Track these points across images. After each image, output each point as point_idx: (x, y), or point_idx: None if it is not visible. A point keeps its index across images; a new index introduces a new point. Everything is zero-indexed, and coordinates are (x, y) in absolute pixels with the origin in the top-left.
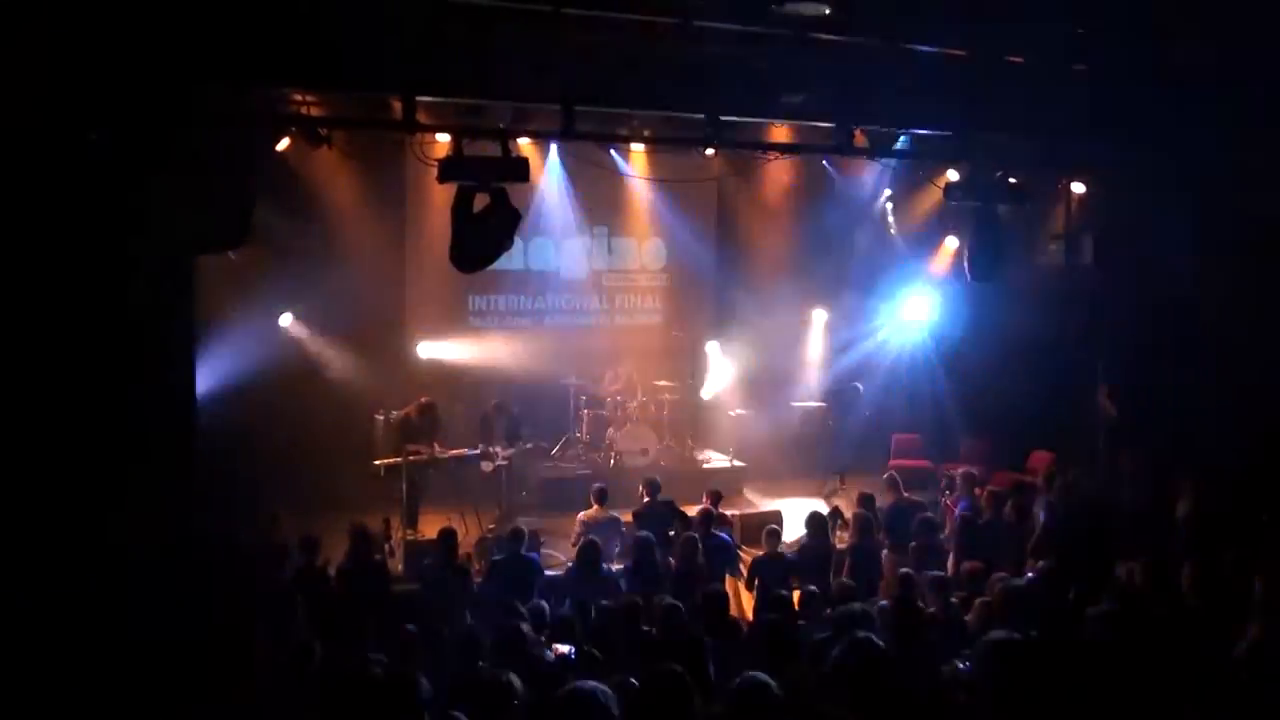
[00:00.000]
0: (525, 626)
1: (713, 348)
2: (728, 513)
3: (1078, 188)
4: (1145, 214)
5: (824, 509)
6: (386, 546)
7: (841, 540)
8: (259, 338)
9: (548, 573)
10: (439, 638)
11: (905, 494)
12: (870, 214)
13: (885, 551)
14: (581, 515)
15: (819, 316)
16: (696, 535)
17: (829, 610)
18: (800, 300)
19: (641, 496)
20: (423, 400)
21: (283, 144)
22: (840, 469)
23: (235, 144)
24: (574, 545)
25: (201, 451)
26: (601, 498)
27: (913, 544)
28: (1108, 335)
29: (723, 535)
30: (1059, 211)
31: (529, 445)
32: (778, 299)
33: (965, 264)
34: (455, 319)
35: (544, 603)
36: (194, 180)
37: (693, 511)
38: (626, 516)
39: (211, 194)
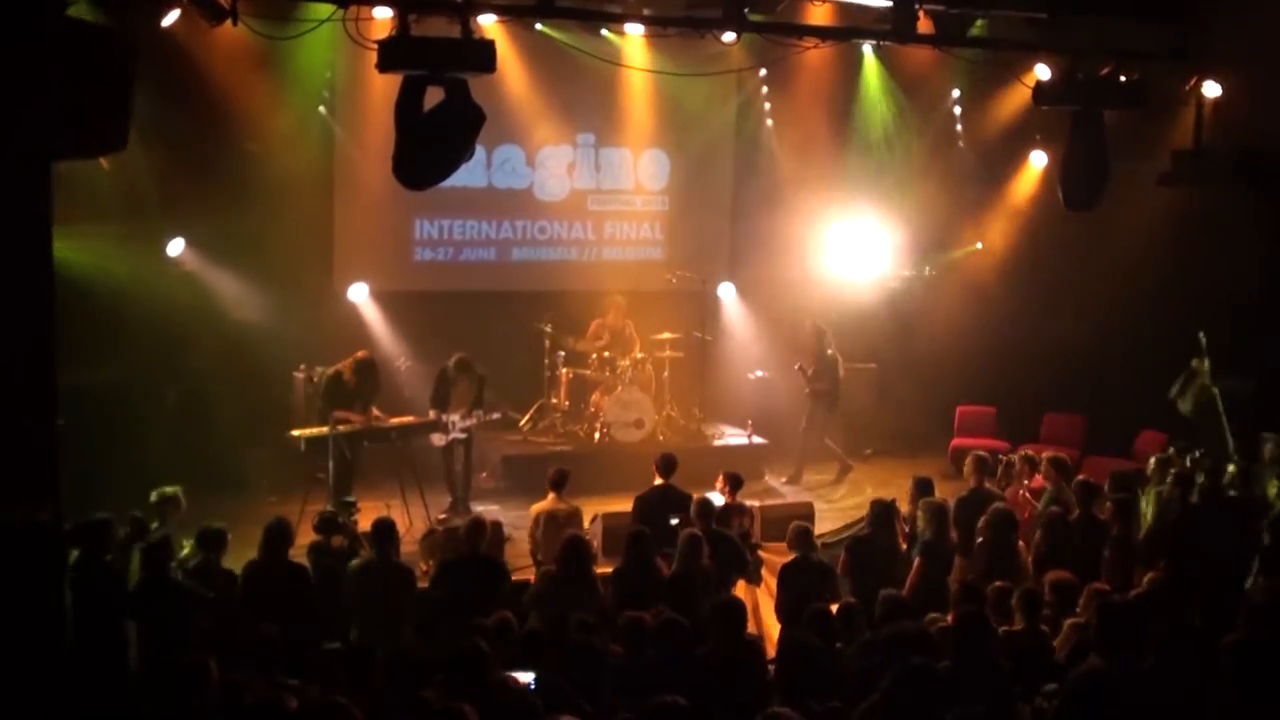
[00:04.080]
0: (485, 645)
1: (727, 291)
2: (748, 503)
3: (1211, 89)
4: None
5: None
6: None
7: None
8: (140, 271)
9: (515, 577)
10: (371, 658)
11: (985, 481)
12: (934, 122)
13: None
14: (535, 508)
15: (863, 255)
16: (699, 531)
17: (875, 630)
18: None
19: (653, 478)
20: (358, 355)
21: (171, 18)
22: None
23: (107, 17)
24: (532, 549)
25: (64, 418)
26: (559, 484)
27: (980, 541)
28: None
29: (727, 531)
30: (1185, 121)
31: (494, 415)
32: (813, 230)
33: (1058, 188)
34: (398, 251)
35: (509, 615)
36: (53, 64)
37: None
38: (614, 504)
39: (76, 82)
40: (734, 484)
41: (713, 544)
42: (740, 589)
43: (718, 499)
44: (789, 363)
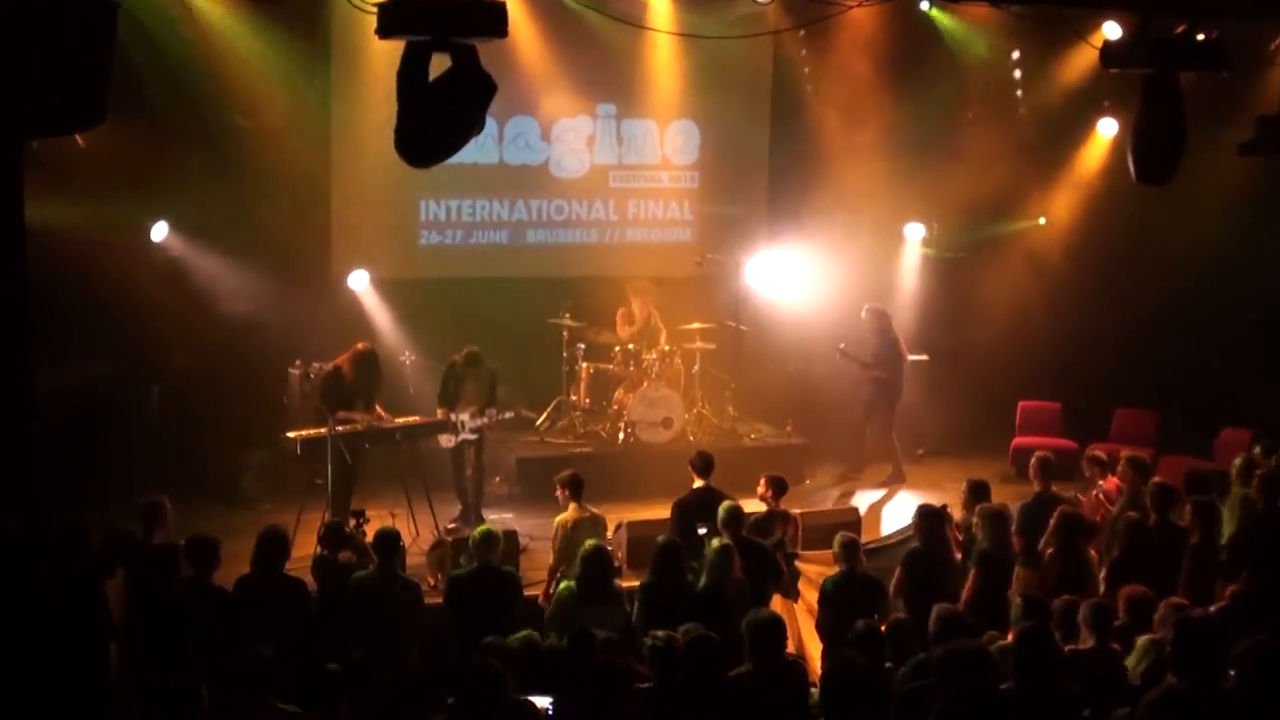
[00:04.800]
0: (498, 665)
1: (764, 277)
2: (791, 511)
3: None
4: None
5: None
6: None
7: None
8: (120, 258)
9: (530, 592)
10: (374, 680)
11: (1050, 484)
12: (990, 87)
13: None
14: (559, 519)
15: (914, 233)
16: (729, 540)
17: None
18: (889, 210)
19: (691, 480)
20: (358, 348)
21: None
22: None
23: None
24: (551, 566)
25: (43, 420)
26: (576, 490)
27: (1048, 551)
28: None
29: (759, 539)
30: (1270, 83)
31: (508, 414)
32: (857, 207)
33: (1129, 158)
34: (402, 234)
35: (535, 634)
36: (23, 31)
37: (748, 508)
38: (640, 511)
39: (49, 51)
40: (777, 488)
41: (744, 554)
42: (776, 604)
43: (758, 506)
44: (832, 354)
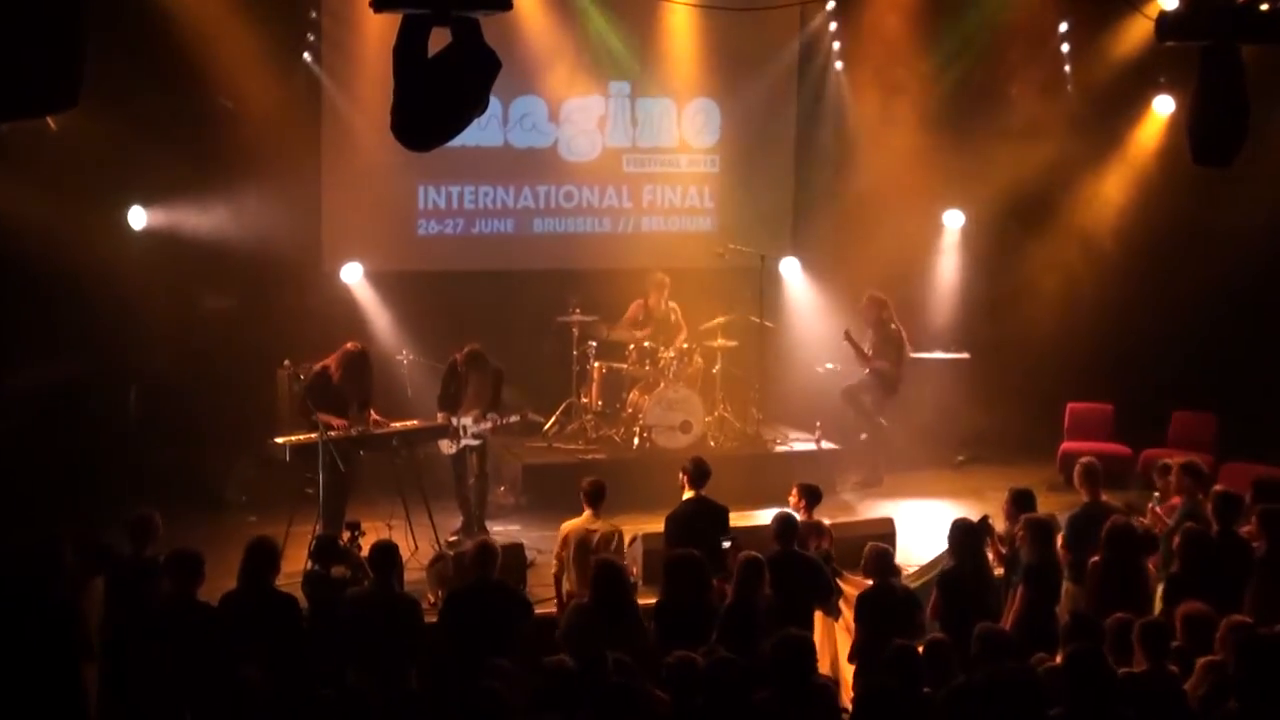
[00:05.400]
0: (502, 689)
1: (791, 267)
2: (825, 521)
3: None
4: None
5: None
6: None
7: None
8: (95, 249)
9: (539, 610)
10: (369, 705)
11: (1099, 492)
12: (1037, 61)
13: (1064, 582)
14: (566, 526)
15: (954, 220)
16: (781, 552)
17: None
18: (926, 194)
19: (681, 487)
20: (347, 348)
21: None
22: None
23: None
24: (556, 573)
25: (8, 425)
26: (596, 498)
27: (1096, 564)
28: None
29: (807, 552)
30: None
31: (513, 418)
32: (892, 192)
33: (1187, 137)
34: (399, 223)
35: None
36: None
37: (764, 518)
38: (657, 523)
39: (16, 29)
40: (810, 498)
41: (791, 568)
42: (817, 623)
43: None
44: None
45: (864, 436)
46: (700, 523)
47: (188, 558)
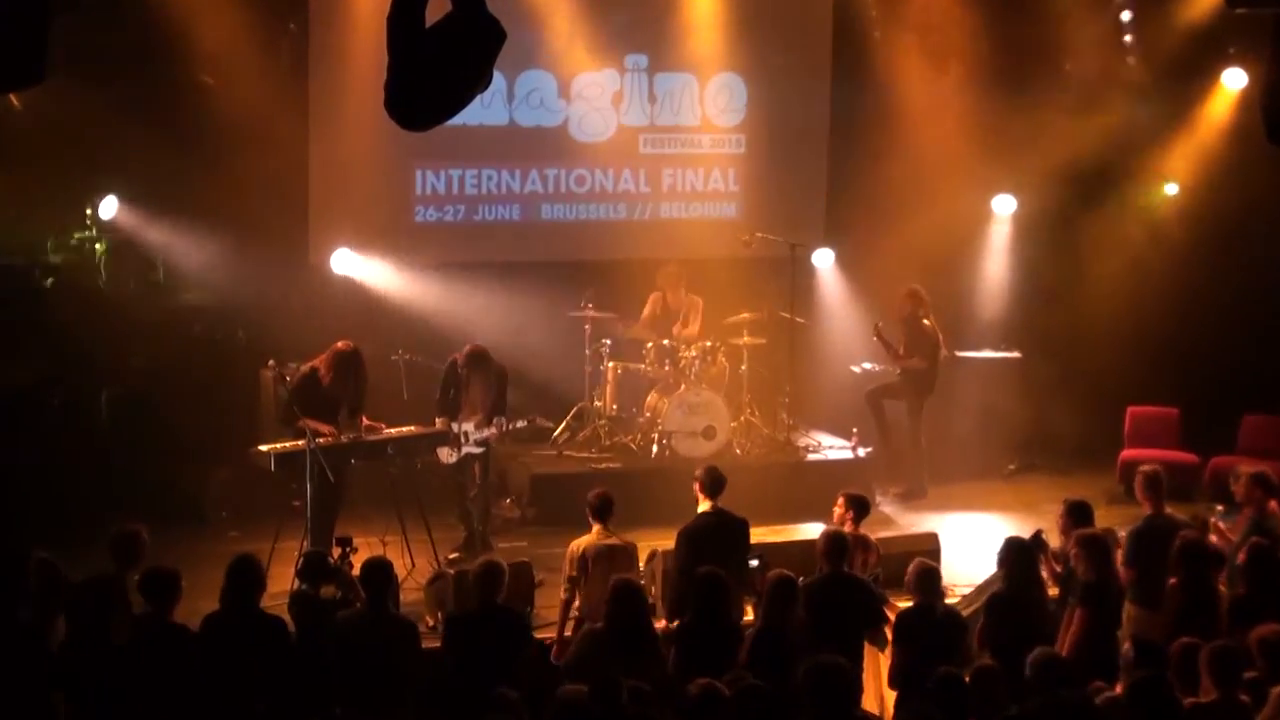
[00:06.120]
0: None
1: (824, 258)
2: (869, 535)
3: None
4: None
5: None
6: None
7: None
8: (62, 239)
9: (546, 635)
10: None
11: (1162, 504)
12: (1096, 31)
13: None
14: (577, 544)
15: (1004, 205)
16: (828, 572)
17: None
18: (973, 177)
19: (695, 500)
20: (338, 347)
21: None
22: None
23: None
24: (565, 593)
25: None
26: (604, 512)
27: (1175, 585)
28: None
29: (860, 577)
30: None
31: (519, 423)
32: (935, 175)
33: (1261, 114)
34: (394, 210)
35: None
36: None
37: (796, 533)
38: (668, 541)
39: None
40: (858, 509)
41: (839, 591)
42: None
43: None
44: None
45: (868, 450)
46: (718, 538)
47: (163, 576)
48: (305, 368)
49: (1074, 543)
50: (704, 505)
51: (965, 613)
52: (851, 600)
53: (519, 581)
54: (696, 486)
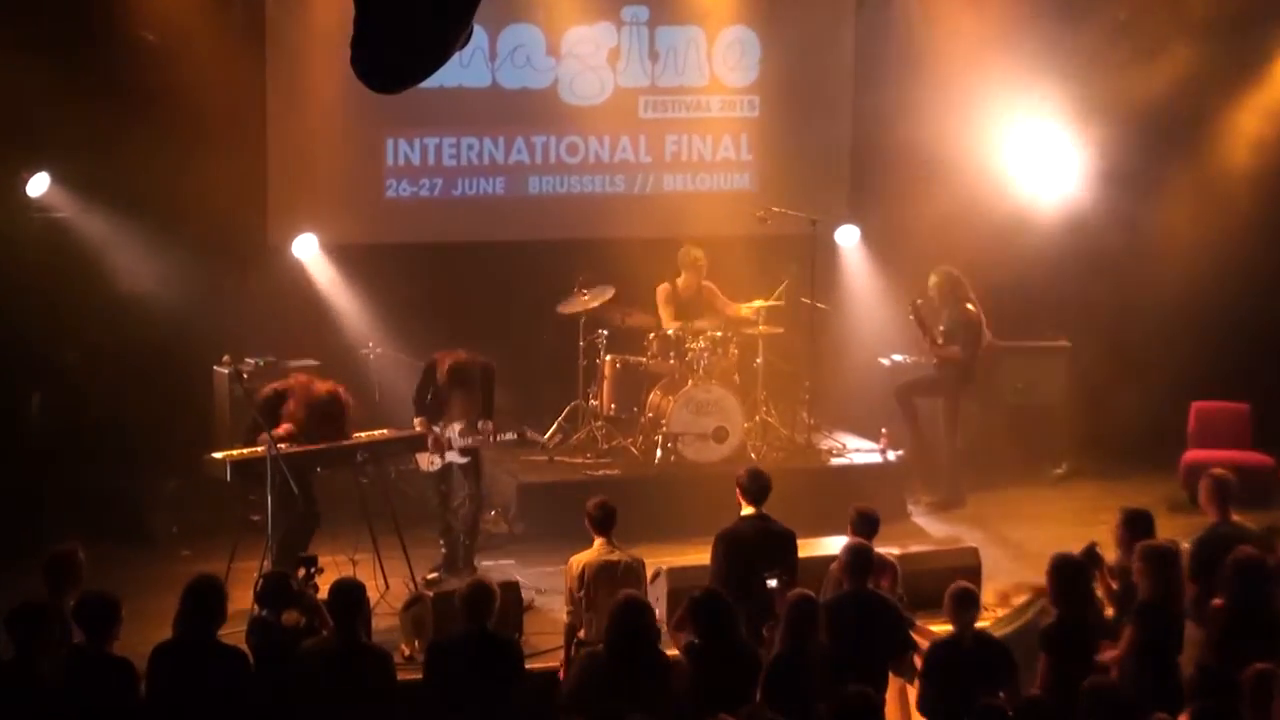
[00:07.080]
0: None
1: (849, 236)
2: (887, 552)
3: None
4: None
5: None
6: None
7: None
8: None
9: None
10: None
11: (1230, 512)
12: None
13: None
14: (577, 560)
15: (1048, 176)
16: (809, 594)
17: None
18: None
19: (738, 504)
20: (318, 391)
21: None
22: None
23: None
24: (569, 616)
25: None
26: (606, 523)
27: (1220, 605)
28: None
29: (888, 597)
30: None
31: (508, 435)
32: (978, 145)
33: None
34: (362, 184)
35: None
36: None
37: (819, 547)
38: (686, 554)
39: None
40: (866, 526)
41: (863, 611)
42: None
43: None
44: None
45: (899, 453)
46: (761, 547)
47: (100, 602)
48: (270, 390)
49: (1137, 556)
50: (747, 509)
51: (1001, 633)
52: (877, 623)
53: (506, 604)
54: (738, 491)
